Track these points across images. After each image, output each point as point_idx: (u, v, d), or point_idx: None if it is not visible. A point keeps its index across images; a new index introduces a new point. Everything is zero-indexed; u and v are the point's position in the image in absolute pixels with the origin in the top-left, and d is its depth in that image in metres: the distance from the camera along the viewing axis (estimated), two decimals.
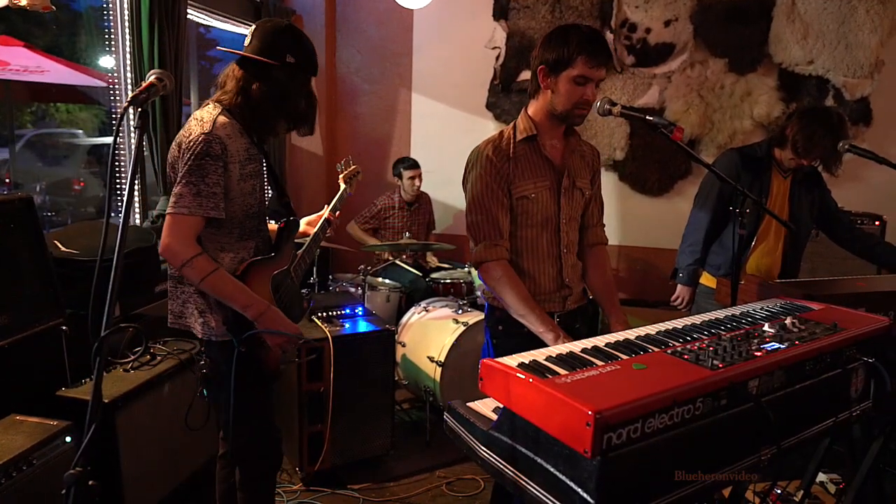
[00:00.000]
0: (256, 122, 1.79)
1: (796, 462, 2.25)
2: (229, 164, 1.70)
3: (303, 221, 2.18)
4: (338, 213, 2.22)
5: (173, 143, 1.73)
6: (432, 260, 4.48)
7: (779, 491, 2.41)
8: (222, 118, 1.72)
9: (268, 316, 1.72)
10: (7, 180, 7.80)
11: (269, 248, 1.91)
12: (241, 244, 1.81)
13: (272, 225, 2.01)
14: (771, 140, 2.67)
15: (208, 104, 1.78)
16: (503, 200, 1.84)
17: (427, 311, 3.52)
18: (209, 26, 4.15)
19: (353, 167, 2.39)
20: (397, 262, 4.13)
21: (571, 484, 1.03)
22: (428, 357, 3.19)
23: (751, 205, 1.88)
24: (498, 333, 1.95)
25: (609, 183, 4.36)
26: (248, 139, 1.79)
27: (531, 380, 1.07)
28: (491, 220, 1.83)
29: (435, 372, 3.13)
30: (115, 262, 1.11)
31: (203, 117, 1.71)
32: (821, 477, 2.59)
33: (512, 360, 1.16)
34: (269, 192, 2.19)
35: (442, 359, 3.11)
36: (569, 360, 1.16)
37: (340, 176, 2.35)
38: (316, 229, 2.15)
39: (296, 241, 2.09)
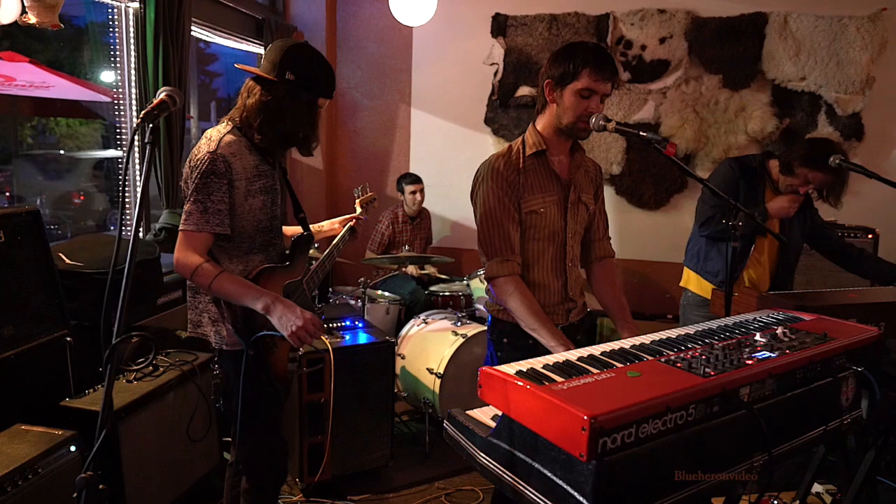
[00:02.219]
0: (254, 138, 1.81)
1: (793, 472, 2.28)
2: (234, 181, 1.74)
3: (337, 220, 2.30)
4: (357, 219, 2.32)
5: (187, 160, 1.79)
6: (431, 270, 4.52)
7: (775, 502, 2.43)
8: (229, 137, 1.77)
9: (277, 305, 1.69)
10: (8, 193, 7.85)
11: (284, 259, 1.95)
12: (248, 257, 1.84)
13: (293, 229, 2.08)
14: (765, 154, 2.72)
15: (222, 122, 1.84)
16: (514, 215, 1.87)
17: (426, 323, 3.55)
18: (209, 42, 4.22)
19: (369, 194, 2.47)
20: (404, 270, 4.20)
21: (568, 488, 1.06)
22: (427, 369, 3.22)
23: (744, 218, 1.91)
24: (502, 346, 1.97)
25: (606, 197, 4.37)
26: (258, 156, 1.83)
27: (529, 386, 1.10)
28: (503, 235, 1.86)
29: (434, 384, 3.15)
30: (126, 273, 1.15)
31: (212, 136, 1.77)
32: (816, 487, 2.62)
33: (510, 368, 1.20)
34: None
35: (441, 370, 3.14)
36: (565, 368, 1.20)
37: (357, 201, 2.41)
38: (336, 240, 2.22)
39: (325, 237, 2.24)
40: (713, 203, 2.65)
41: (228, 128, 1.80)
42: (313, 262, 2.14)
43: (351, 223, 2.28)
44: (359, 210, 2.39)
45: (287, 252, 1.98)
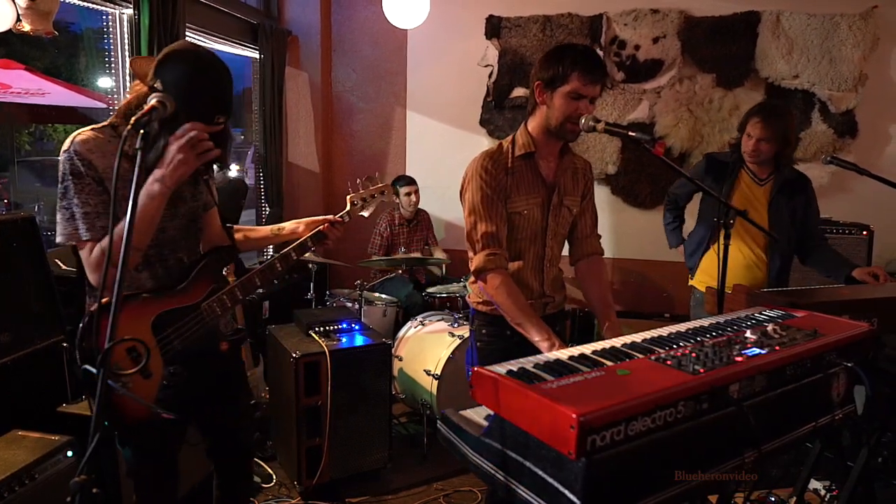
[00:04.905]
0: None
1: (789, 469, 2.28)
2: (105, 180, 1.51)
3: (304, 220, 1.90)
4: (333, 222, 1.87)
5: None
6: (435, 269, 4.53)
7: (773, 499, 2.44)
8: (88, 133, 1.54)
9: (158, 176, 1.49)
10: (6, 200, 7.87)
11: (175, 280, 1.68)
12: (136, 275, 1.63)
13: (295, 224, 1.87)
14: (739, 146, 2.72)
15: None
16: (502, 211, 1.89)
17: (423, 324, 3.56)
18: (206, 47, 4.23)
19: (374, 187, 1.93)
20: (400, 272, 4.22)
21: (559, 486, 1.07)
22: (424, 370, 3.22)
23: (734, 215, 1.91)
24: (482, 337, 2.01)
25: (602, 196, 4.42)
26: (132, 160, 1.49)
27: (519, 386, 1.11)
28: (491, 231, 1.87)
29: (431, 385, 3.16)
30: (117, 279, 1.15)
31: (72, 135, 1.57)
32: (814, 484, 2.62)
33: (501, 368, 1.20)
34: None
35: (438, 372, 3.14)
36: (556, 367, 1.20)
37: (348, 196, 1.93)
38: (287, 249, 1.79)
39: (286, 241, 1.86)
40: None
41: (103, 125, 1.58)
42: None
43: (320, 227, 1.84)
44: (347, 207, 1.90)
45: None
